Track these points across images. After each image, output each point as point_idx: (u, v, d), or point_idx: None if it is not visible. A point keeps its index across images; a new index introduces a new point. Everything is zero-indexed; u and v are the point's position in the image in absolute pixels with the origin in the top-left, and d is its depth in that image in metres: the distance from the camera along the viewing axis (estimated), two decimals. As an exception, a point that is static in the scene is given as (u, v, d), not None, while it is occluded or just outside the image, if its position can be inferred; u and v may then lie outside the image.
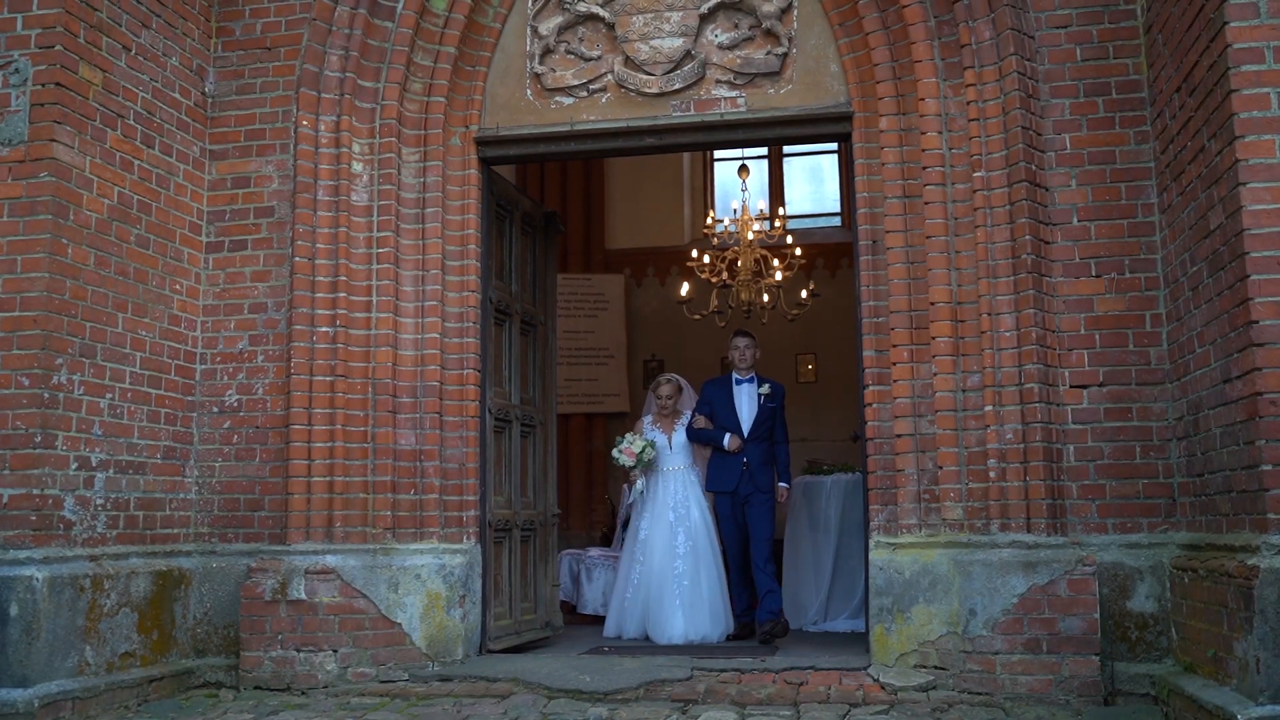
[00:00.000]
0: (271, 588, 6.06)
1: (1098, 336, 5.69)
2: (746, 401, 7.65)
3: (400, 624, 6.08)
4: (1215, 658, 4.67)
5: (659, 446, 7.87)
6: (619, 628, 7.68)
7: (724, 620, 7.53)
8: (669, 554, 7.57)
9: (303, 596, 6.03)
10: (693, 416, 7.86)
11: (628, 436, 7.87)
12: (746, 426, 7.59)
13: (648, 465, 7.80)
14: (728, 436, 7.58)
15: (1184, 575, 5.16)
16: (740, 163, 12.12)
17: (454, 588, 6.21)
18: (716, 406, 7.72)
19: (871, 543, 5.92)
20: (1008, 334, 5.70)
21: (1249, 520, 4.46)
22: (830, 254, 13.12)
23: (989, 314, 5.76)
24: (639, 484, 7.86)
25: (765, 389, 7.66)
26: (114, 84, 5.79)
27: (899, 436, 5.92)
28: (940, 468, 5.79)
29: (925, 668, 5.61)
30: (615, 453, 7.85)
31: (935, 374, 5.85)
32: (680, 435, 7.88)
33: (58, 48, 5.41)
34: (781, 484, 7.64)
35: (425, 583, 6.16)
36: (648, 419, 8.09)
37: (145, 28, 6.03)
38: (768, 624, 7.16)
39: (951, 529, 5.74)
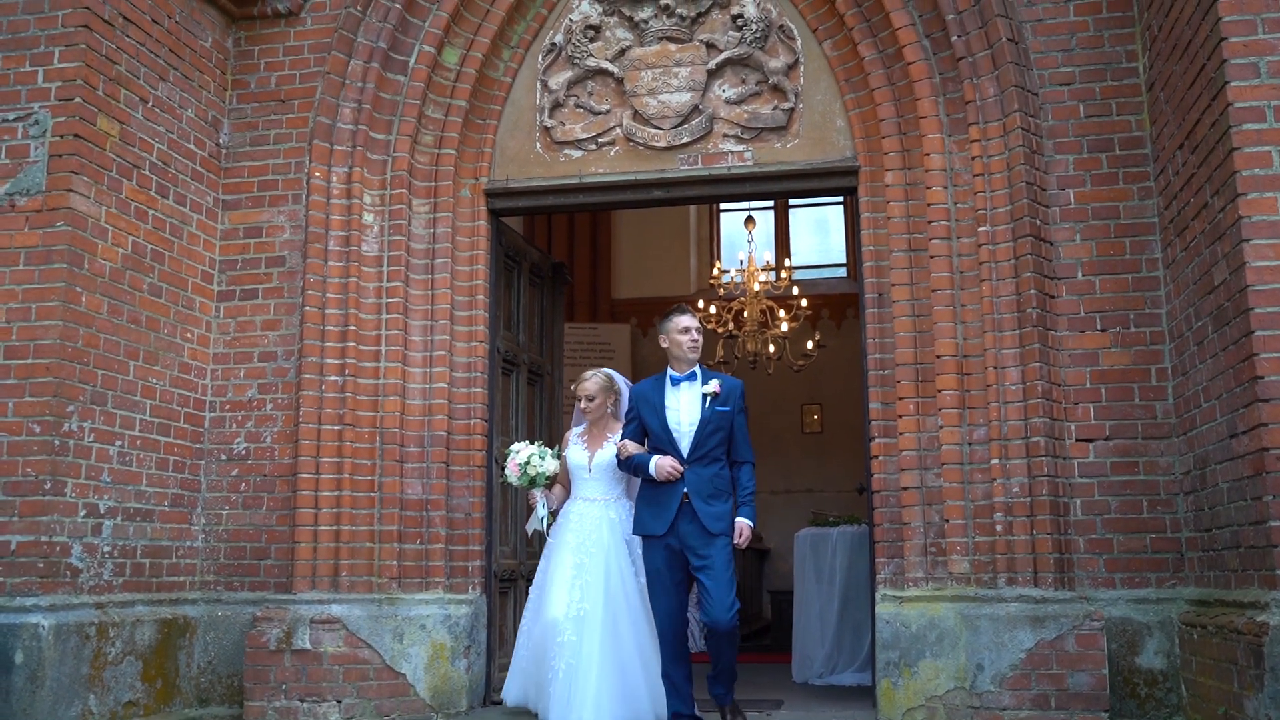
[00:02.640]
0: (276, 637, 6.05)
1: (1103, 390, 5.71)
2: (686, 407, 5.46)
3: (405, 674, 6.06)
4: (1226, 715, 4.64)
5: (573, 466, 5.84)
6: (523, 693, 5.73)
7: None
8: (555, 617, 5.48)
9: (307, 646, 6.02)
10: (622, 430, 5.72)
11: (516, 445, 5.94)
12: (686, 443, 5.39)
13: (534, 484, 5.81)
14: (653, 460, 5.37)
15: (1193, 631, 5.14)
16: (747, 214, 12.21)
17: (459, 638, 6.19)
18: (646, 417, 5.53)
19: (878, 596, 5.90)
20: (1013, 387, 5.72)
21: (1258, 576, 4.45)
22: (836, 305, 13.18)
23: (995, 367, 5.78)
24: (538, 510, 5.87)
25: (712, 386, 5.43)
26: (131, 135, 5.87)
27: (905, 489, 5.92)
28: (946, 521, 5.78)
29: (932, 722, 5.58)
30: (505, 471, 5.92)
31: (941, 426, 5.86)
32: (606, 454, 5.77)
33: (77, 100, 5.50)
34: (742, 519, 5.39)
35: (430, 633, 6.14)
36: (576, 431, 5.99)
37: (162, 80, 6.13)
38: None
39: (958, 582, 5.73)
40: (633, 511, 5.67)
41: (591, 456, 5.82)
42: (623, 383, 6.01)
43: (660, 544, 5.40)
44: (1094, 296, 5.78)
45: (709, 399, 5.43)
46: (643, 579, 5.61)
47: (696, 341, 5.57)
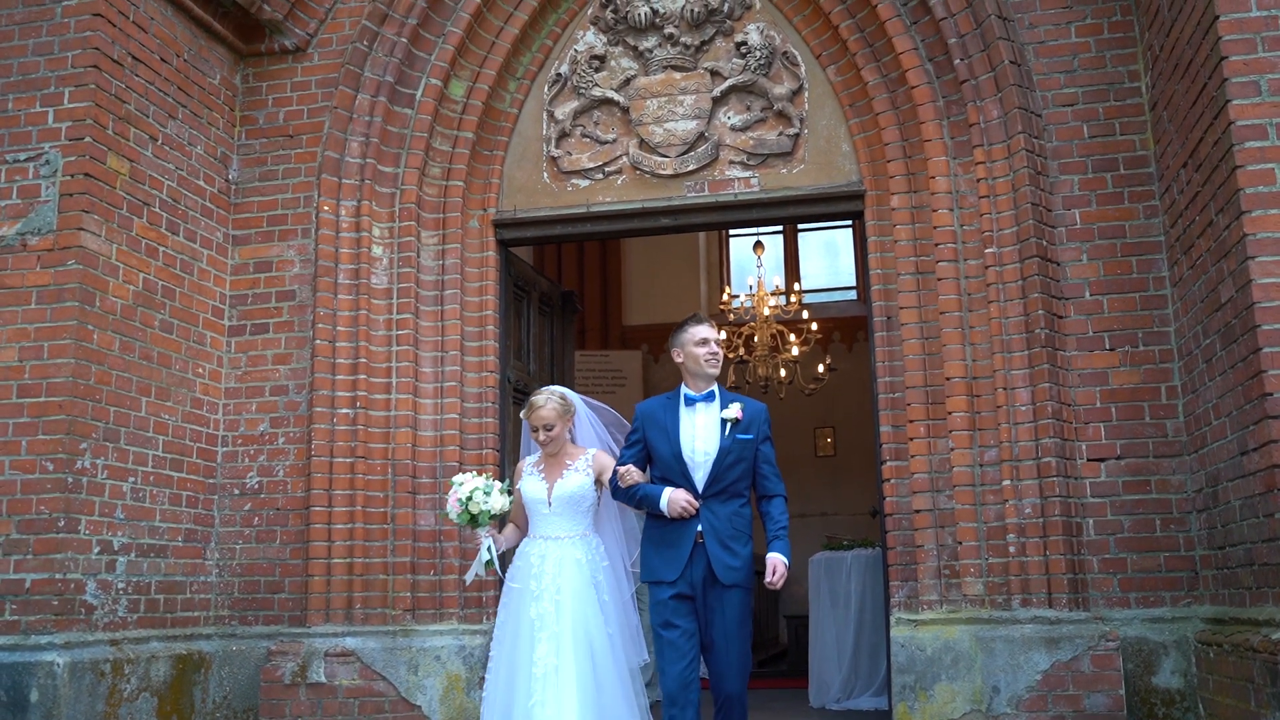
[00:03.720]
0: (291, 670, 6.05)
1: (1114, 409, 5.70)
2: (703, 433, 4.68)
3: (420, 706, 6.06)
4: (1243, 734, 4.61)
5: (529, 501, 4.98)
6: None
7: None
8: (511, 678, 4.75)
9: (322, 679, 6.02)
10: (623, 453, 4.90)
11: (460, 476, 5.08)
12: (702, 474, 4.61)
13: (476, 523, 4.94)
14: (666, 493, 4.58)
15: (1209, 650, 5.11)
16: (755, 239, 12.25)
17: (474, 669, 6.18)
18: (655, 442, 4.73)
19: (892, 619, 5.88)
20: (1023, 408, 5.71)
21: (1272, 594, 4.43)
22: (846, 328, 13.19)
23: (1004, 388, 5.78)
24: (480, 553, 4.98)
25: (734, 411, 4.68)
26: (140, 173, 5.93)
27: (917, 512, 5.91)
28: (960, 543, 5.77)
29: (949, 747, 5.55)
30: (447, 503, 5.04)
31: (952, 449, 5.85)
32: (568, 485, 4.94)
33: (87, 139, 5.55)
34: (776, 555, 4.58)
35: (445, 664, 6.14)
36: (530, 460, 5.15)
37: (171, 118, 6.19)
38: None
39: (973, 605, 5.71)
40: (602, 549, 4.98)
41: (551, 488, 4.95)
42: (577, 400, 5.18)
43: (670, 591, 4.57)
44: (1102, 316, 5.78)
45: (729, 425, 4.65)
46: (614, 629, 4.82)
47: (716, 355, 4.78)
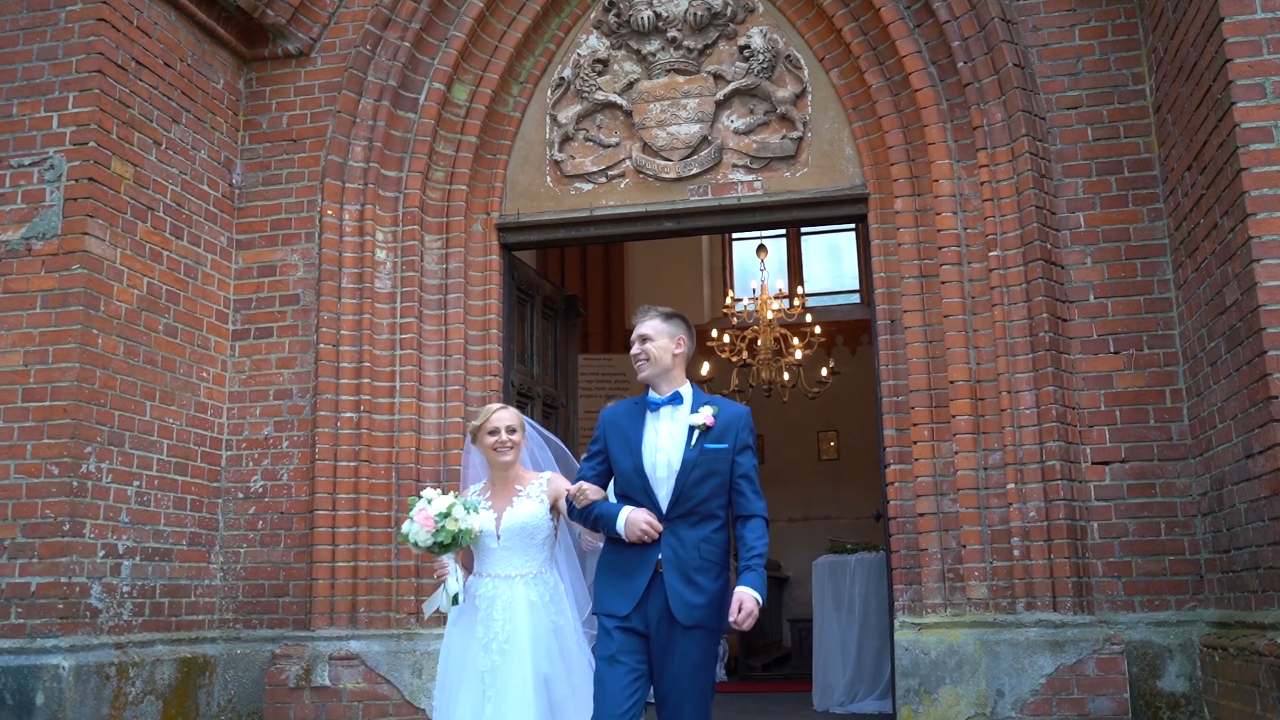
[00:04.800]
0: (295, 674, 6.05)
1: (1118, 413, 5.69)
2: (667, 442, 3.96)
3: (424, 709, 6.05)
4: (1249, 738, 4.60)
5: (483, 532, 4.34)
6: None
7: None
8: None
9: (326, 683, 6.02)
10: (583, 465, 4.17)
11: (428, 491, 4.40)
12: (665, 491, 3.90)
13: (446, 548, 4.29)
14: (624, 513, 3.86)
15: (1214, 654, 5.10)
16: (759, 243, 12.25)
17: (477, 672, 6.17)
18: (616, 453, 4.03)
19: (896, 623, 5.87)
20: (1028, 411, 5.71)
21: (1277, 597, 4.42)
22: (850, 331, 13.18)
23: (1008, 392, 5.77)
24: (448, 583, 4.36)
25: (703, 416, 3.94)
26: (144, 178, 5.93)
27: (921, 515, 5.90)
28: (964, 546, 5.76)
29: (954, 750, 5.54)
30: (405, 525, 4.35)
31: (956, 452, 5.85)
32: (519, 513, 4.36)
33: (91, 144, 5.56)
34: (745, 590, 3.78)
35: (449, 668, 6.13)
36: (473, 489, 4.54)
37: (175, 123, 6.20)
38: None
39: (977, 608, 5.70)
40: (561, 588, 4.39)
41: (499, 518, 4.34)
42: (528, 423, 4.61)
43: (620, 625, 3.86)
44: (1106, 319, 5.77)
45: (697, 433, 3.92)
46: (579, 680, 4.22)
47: (639, 355, 4.04)
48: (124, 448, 5.69)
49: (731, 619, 3.77)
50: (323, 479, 6.29)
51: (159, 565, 5.93)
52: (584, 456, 4.19)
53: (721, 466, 3.90)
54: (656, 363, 4.02)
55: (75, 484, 5.35)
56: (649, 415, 4.02)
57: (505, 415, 4.46)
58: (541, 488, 4.42)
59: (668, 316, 4.10)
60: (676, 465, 3.90)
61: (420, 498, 4.34)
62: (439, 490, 4.40)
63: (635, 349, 4.04)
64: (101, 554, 5.50)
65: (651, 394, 4.05)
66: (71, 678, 5.13)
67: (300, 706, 6.02)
